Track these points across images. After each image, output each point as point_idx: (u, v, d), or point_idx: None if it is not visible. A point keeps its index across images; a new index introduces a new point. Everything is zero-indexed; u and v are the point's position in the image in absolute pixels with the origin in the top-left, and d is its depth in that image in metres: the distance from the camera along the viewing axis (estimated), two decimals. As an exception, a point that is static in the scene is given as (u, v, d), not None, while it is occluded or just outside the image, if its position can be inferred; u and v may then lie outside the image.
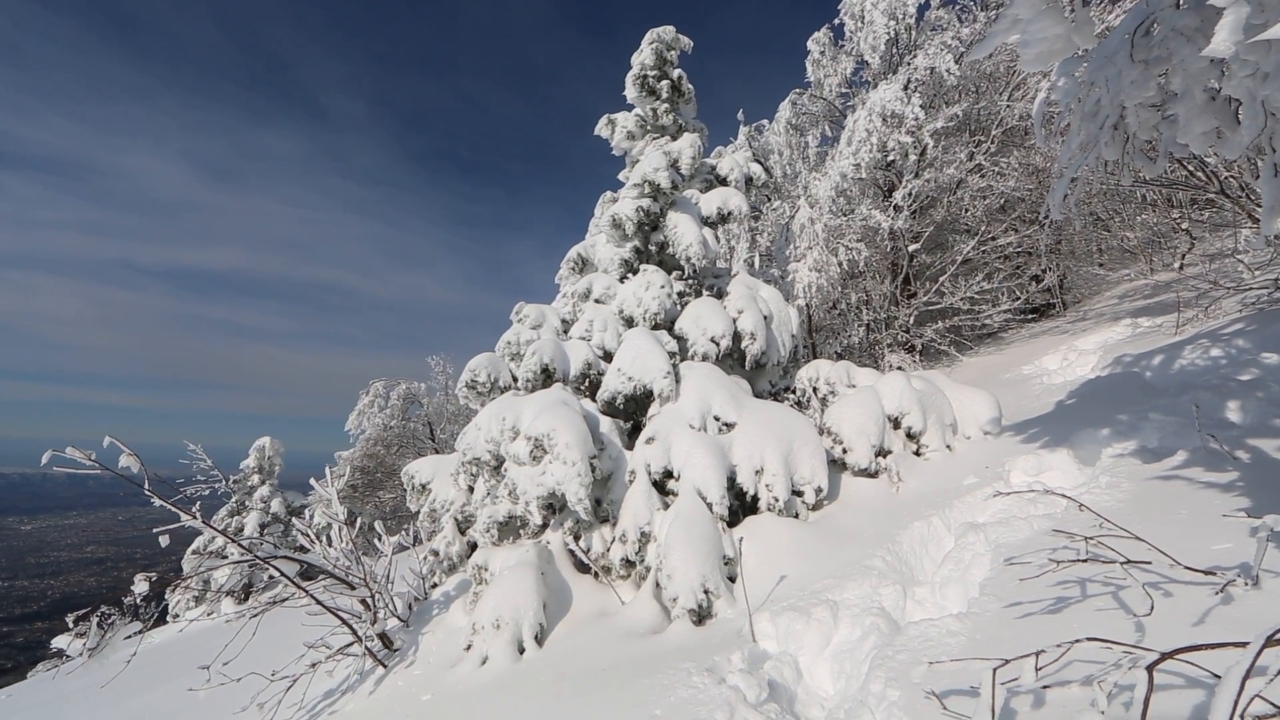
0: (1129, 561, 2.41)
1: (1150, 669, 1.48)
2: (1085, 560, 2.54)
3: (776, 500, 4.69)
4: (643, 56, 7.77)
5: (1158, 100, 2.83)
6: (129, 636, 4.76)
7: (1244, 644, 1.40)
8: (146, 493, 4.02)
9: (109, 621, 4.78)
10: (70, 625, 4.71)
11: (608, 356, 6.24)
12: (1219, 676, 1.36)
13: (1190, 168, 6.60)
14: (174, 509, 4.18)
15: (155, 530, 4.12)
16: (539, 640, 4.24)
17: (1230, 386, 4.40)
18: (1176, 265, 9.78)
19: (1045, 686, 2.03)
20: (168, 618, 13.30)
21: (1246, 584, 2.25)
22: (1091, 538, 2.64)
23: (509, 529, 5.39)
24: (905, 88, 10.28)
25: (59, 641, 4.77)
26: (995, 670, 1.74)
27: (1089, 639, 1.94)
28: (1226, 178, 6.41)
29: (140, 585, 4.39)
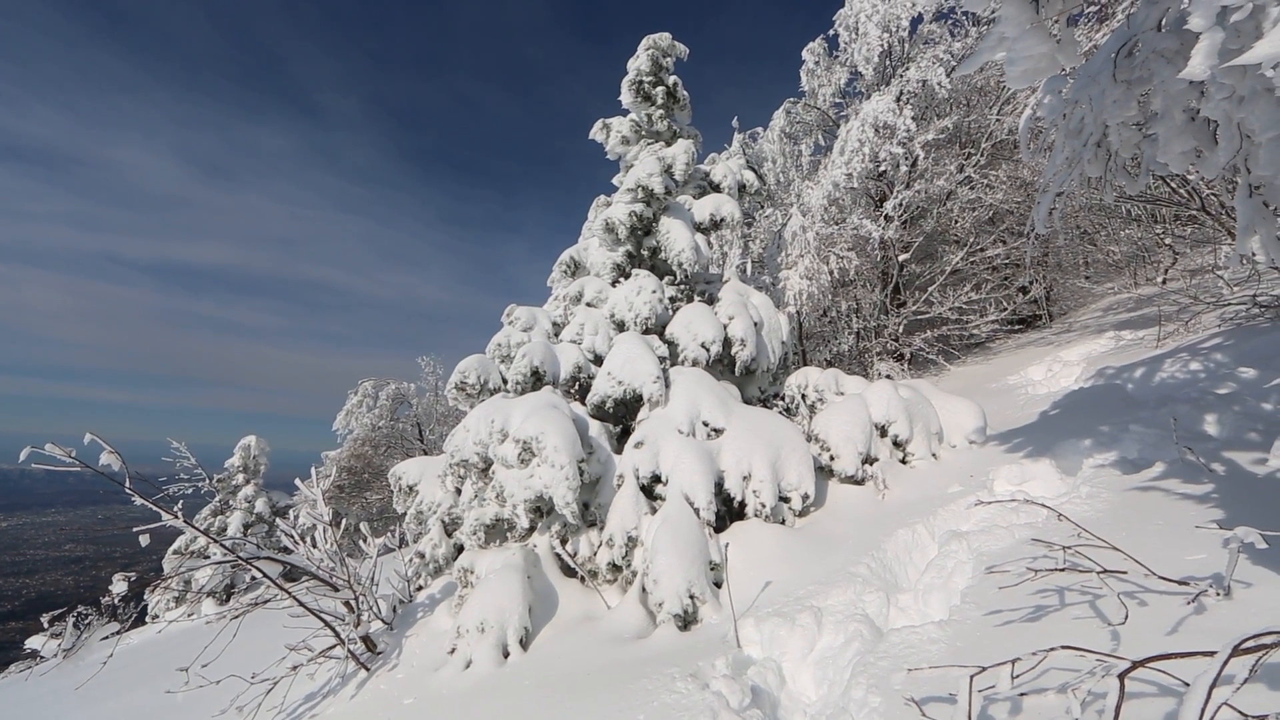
0: (1106, 571, 2.46)
1: (1122, 677, 1.51)
2: (1064, 569, 2.58)
3: (764, 506, 4.71)
4: (639, 62, 7.81)
5: (1139, 119, 2.89)
6: (106, 637, 4.68)
7: (1212, 653, 1.43)
8: (127, 491, 3.97)
9: (85, 622, 4.69)
10: (45, 625, 4.62)
11: (598, 360, 6.24)
12: (1188, 684, 1.39)
13: (1172, 185, 6.73)
14: (155, 508, 4.12)
15: (136, 529, 4.06)
16: (524, 644, 4.22)
17: (1208, 400, 4.49)
18: (1159, 280, 9.95)
19: (1022, 694, 2.06)
20: (146, 618, 13.05)
21: (1218, 594, 2.29)
22: (1070, 547, 2.68)
23: (496, 532, 5.36)
24: (897, 99, 10.41)
25: (33, 642, 4.68)
26: (972, 677, 1.76)
27: (1064, 647, 1.97)
28: (1208, 195, 6.55)
29: (119, 585, 4.33)
